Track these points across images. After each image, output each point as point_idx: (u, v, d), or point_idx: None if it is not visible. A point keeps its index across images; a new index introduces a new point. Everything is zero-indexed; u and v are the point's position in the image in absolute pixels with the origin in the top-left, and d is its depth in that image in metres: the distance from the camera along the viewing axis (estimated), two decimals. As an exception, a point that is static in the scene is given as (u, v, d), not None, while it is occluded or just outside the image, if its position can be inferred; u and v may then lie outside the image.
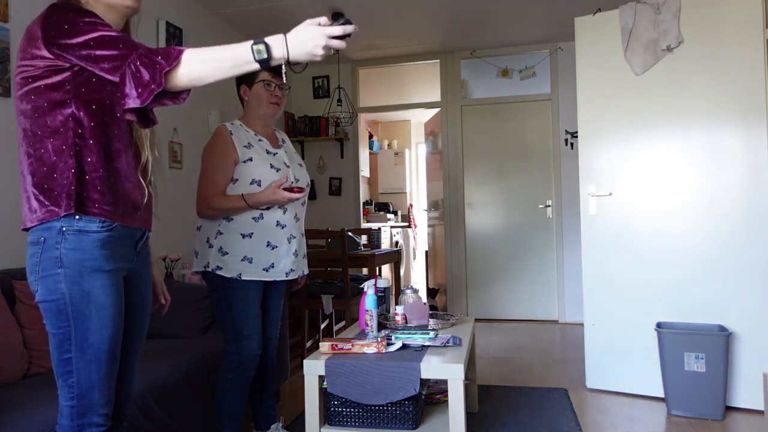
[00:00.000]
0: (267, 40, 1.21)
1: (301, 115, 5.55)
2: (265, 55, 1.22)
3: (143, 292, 1.51)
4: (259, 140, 2.21)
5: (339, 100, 4.84)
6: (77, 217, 1.28)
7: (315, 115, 5.50)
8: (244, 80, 2.20)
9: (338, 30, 1.21)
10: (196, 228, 2.21)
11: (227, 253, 2.09)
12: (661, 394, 2.85)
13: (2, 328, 1.94)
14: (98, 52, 1.21)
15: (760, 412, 2.67)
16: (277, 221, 2.15)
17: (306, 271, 2.35)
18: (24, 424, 1.56)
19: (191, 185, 3.81)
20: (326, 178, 5.63)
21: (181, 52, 1.21)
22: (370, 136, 7.64)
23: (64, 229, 1.27)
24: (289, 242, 2.19)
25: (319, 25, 1.23)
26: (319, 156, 5.62)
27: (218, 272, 2.09)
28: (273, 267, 2.15)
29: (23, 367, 1.98)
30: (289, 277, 2.22)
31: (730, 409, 2.75)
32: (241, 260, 2.09)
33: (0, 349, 1.90)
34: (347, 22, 1.22)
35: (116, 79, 1.22)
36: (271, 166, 2.15)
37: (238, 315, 2.10)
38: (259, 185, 2.11)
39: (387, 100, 5.95)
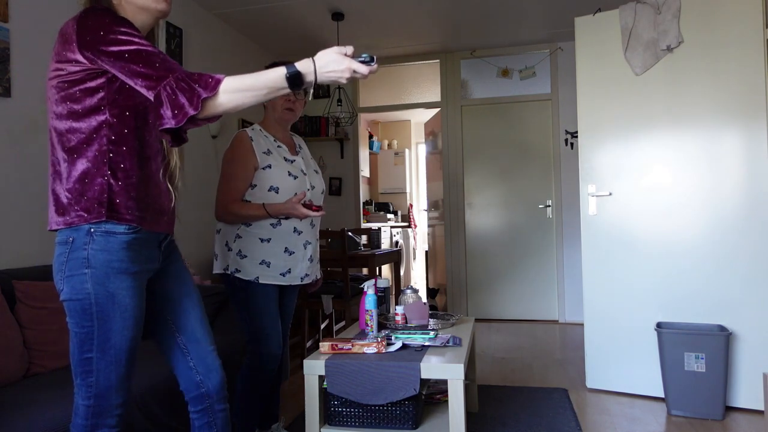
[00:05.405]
0: (298, 67, 1.28)
1: (301, 115, 5.55)
2: (299, 82, 1.29)
3: (182, 281, 1.54)
4: (278, 146, 2.24)
5: (339, 100, 4.84)
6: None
7: (315, 115, 5.50)
8: None
9: (364, 69, 1.32)
10: (216, 231, 2.24)
11: (246, 257, 2.12)
12: (661, 394, 2.85)
13: (2, 328, 1.94)
14: (134, 67, 1.23)
15: (760, 412, 2.68)
16: (294, 227, 2.18)
17: (319, 275, 2.41)
18: (24, 424, 1.56)
19: (192, 185, 3.82)
20: (326, 178, 5.62)
21: (218, 82, 1.24)
22: (370, 136, 7.63)
23: (92, 230, 1.29)
24: (305, 248, 2.23)
25: (345, 55, 1.30)
26: (319, 156, 5.62)
27: (237, 275, 2.12)
28: (290, 272, 2.19)
29: (23, 367, 1.98)
30: (304, 282, 2.27)
31: (730, 409, 2.75)
32: (259, 264, 2.13)
33: (0, 349, 1.90)
34: (372, 60, 1.34)
35: (151, 97, 1.24)
36: (289, 174, 2.18)
37: (257, 314, 2.14)
38: (277, 192, 2.14)
39: (387, 100, 5.95)
